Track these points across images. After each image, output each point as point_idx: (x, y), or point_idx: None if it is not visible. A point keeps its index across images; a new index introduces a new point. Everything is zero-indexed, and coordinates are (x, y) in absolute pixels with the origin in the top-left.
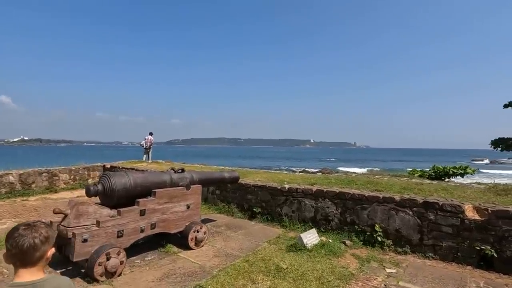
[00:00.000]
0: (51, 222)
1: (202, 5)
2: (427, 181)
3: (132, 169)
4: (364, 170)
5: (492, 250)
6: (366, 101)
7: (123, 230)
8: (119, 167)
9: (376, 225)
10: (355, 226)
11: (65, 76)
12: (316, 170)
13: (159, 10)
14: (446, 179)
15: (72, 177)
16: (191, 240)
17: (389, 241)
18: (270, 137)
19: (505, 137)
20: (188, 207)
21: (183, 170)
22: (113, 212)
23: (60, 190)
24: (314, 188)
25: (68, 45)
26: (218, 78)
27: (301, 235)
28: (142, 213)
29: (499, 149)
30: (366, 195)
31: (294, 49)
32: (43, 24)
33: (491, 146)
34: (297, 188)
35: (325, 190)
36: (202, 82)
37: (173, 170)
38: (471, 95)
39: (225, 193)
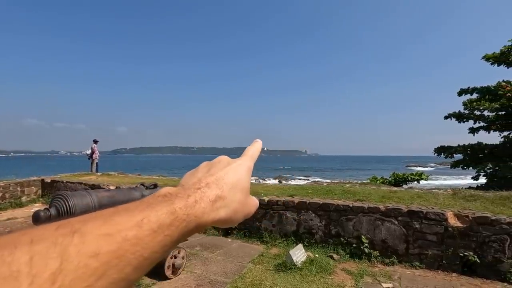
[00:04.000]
0: None
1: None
2: (395, 188)
3: (80, 183)
4: (325, 179)
5: (475, 256)
6: (312, 109)
7: None
8: (63, 182)
9: (362, 236)
10: (341, 239)
11: None
12: (272, 179)
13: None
14: (404, 186)
15: (0, 195)
16: (168, 268)
17: (375, 252)
18: (224, 146)
19: (445, 145)
20: None
21: (155, 186)
22: None
23: None
24: (296, 199)
25: None
26: (169, 83)
27: (290, 252)
28: None
29: (443, 155)
30: (351, 205)
31: (241, 52)
32: None
33: (434, 153)
34: (277, 200)
35: (308, 201)
36: (152, 87)
37: (143, 185)
38: (408, 107)
39: None
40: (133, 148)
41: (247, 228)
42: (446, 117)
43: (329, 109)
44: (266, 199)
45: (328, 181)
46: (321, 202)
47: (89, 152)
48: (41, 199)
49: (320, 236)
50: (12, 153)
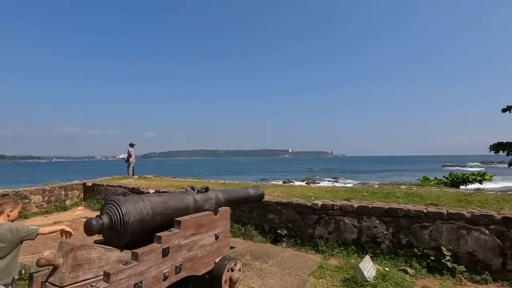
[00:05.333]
0: (31, 276)
1: (168, 14)
2: (462, 190)
3: (120, 186)
4: (354, 181)
5: None
6: (339, 109)
7: (141, 282)
8: (103, 185)
9: (443, 247)
10: (414, 249)
11: (25, 89)
12: (299, 180)
13: (122, 19)
14: (462, 187)
15: (46, 198)
16: (225, 283)
17: (461, 267)
18: (249, 148)
19: (504, 141)
20: (216, 237)
21: (207, 189)
22: (124, 255)
23: (32, 216)
24: (355, 204)
25: (27, 55)
26: (196, 90)
27: (360, 266)
28: (165, 252)
29: (502, 153)
30: (425, 211)
31: (264, 62)
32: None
33: (490, 151)
34: (333, 205)
35: (370, 206)
36: (179, 95)
37: (193, 189)
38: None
39: (239, 213)
40: (162, 152)
41: (298, 235)
42: (504, 110)
43: (354, 110)
44: (320, 203)
45: (377, 183)
46: (387, 207)
47: (125, 156)
48: (83, 202)
49: (387, 245)
50: (54, 159)
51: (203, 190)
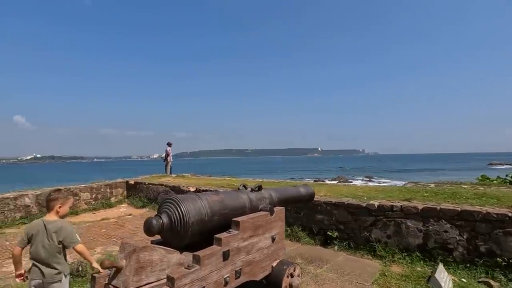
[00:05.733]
0: (93, 277)
1: (189, 12)
2: None
3: (161, 184)
4: (400, 181)
5: None
6: (370, 106)
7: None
8: (145, 183)
9: None
10: (497, 259)
11: (66, 92)
12: (330, 180)
13: (157, 17)
14: None
15: (93, 196)
16: None
17: None
18: (277, 147)
19: None
20: (273, 239)
21: (260, 188)
22: (184, 257)
23: (82, 212)
24: (419, 205)
25: (67, 58)
26: (224, 91)
27: (436, 276)
28: (226, 256)
29: None
30: (510, 215)
31: (294, 60)
32: (50, 36)
33: None
34: (392, 206)
35: (438, 208)
36: (206, 95)
37: (245, 187)
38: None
39: (285, 213)
40: (192, 151)
41: (352, 238)
42: None
43: (386, 108)
44: (376, 203)
45: (434, 182)
46: (459, 209)
47: (163, 155)
48: (126, 200)
49: (461, 253)
50: (95, 159)
51: (257, 188)
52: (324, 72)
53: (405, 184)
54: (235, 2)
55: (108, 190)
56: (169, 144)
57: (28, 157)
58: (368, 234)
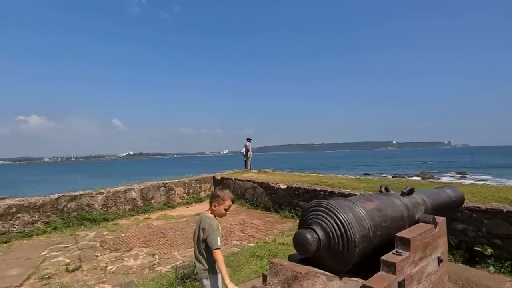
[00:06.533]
0: None
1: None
2: None
3: (248, 180)
4: None
5: None
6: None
7: None
8: (231, 179)
9: None
10: None
11: (149, 98)
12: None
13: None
14: None
15: (186, 190)
16: None
17: None
18: (345, 141)
19: None
20: (440, 261)
21: (411, 191)
22: (345, 286)
23: (177, 205)
24: None
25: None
26: (289, 88)
27: None
28: (401, 286)
29: None
30: None
31: (366, 47)
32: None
33: None
34: None
35: None
36: (271, 93)
37: (387, 189)
38: None
39: None
40: (260, 147)
41: None
42: None
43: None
44: None
45: None
46: None
47: (243, 150)
48: None
49: None
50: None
51: (407, 192)
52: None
53: None
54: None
55: (198, 185)
56: (248, 140)
57: (124, 154)
58: None
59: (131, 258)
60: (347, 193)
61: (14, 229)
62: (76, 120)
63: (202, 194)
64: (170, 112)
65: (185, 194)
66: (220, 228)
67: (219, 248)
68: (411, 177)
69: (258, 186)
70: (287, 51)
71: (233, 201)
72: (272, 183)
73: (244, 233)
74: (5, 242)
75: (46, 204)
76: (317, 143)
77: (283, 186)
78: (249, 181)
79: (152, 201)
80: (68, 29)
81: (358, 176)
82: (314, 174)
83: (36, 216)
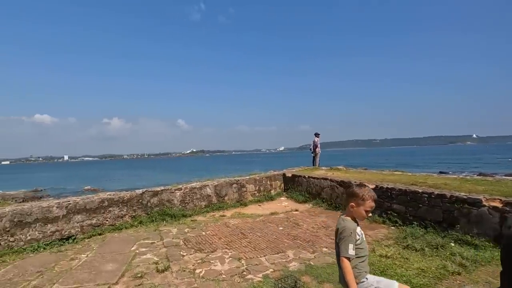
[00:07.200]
0: None
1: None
2: None
3: (325, 179)
4: None
5: None
6: None
7: None
8: (305, 177)
9: None
10: None
11: (209, 98)
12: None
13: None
14: None
15: (257, 188)
16: None
17: None
18: (413, 135)
19: None
20: None
21: None
22: None
23: (248, 203)
24: None
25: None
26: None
27: None
28: None
29: None
30: None
31: (436, 37)
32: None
33: None
34: None
35: None
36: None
37: None
38: None
39: None
40: None
41: None
42: None
43: None
44: None
45: None
46: None
47: (312, 146)
48: (284, 193)
49: None
50: (233, 152)
51: None
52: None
53: None
54: None
55: (268, 182)
56: (316, 135)
57: (188, 151)
58: None
59: (218, 262)
60: (464, 197)
61: (107, 222)
62: (148, 121)
63: (272, 192)
64: (227, 111)
65: (256, 192)
66: (357, 234)
67: (348, 257)
68: (501, 176)
69: (337, 185)
70: (339, 47)
71: (375, 201)
72: (355, 181)
73: (331, 238)
74: (99, 234)
75: (133, 198)
76: (379, 138)
77: (371, 186)
78: (325, 179)
79: (226, 198)
80: (143, 36)
81: (453, 175)
82: (399, 172)
83: (124, 210)
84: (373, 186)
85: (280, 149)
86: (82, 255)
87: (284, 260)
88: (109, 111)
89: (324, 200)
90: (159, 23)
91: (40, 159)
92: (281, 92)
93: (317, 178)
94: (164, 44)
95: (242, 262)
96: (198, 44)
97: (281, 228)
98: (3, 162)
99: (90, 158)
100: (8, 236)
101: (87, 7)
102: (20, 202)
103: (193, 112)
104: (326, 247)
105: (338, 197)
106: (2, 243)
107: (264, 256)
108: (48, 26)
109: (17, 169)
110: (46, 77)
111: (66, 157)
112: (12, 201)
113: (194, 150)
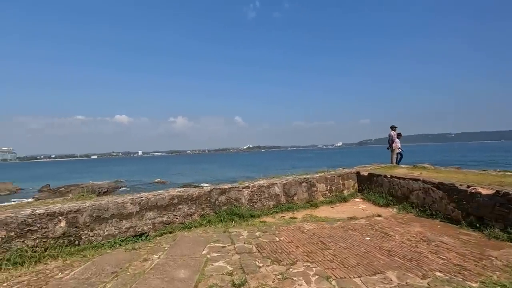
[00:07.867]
0: None
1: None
2: None
3: (416, 180)
4: None
5: None
6: None
7: None
8: (386, 176)
9: None
10: None
11: (262, 96)
12: None
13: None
14: None
15: (328, 187)
16: None
17: None
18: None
19: None
20: None
21: None
22: None
23: (320, 204)
24: None
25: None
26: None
27: None
28: None
29: None
30: None
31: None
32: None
33: None
34: None
35: None
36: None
37: None
38: None
39: None
40: (378, 138)
41: None
42: None
43: None
44: None
45: None
46: None
47: (388, 139)
48: (358, 194)
49: None
50: (289, 147)
51: None
52: None
53: None
54: None
55: (340, 181)
56: (393, 128)
57: (244, 147)
58: None
59: (302, 280)
60: None
61: (177, 220)
62: (208, 119)
63: (345, 192)
64: (282, 106)
65: (327, 192)
66: None
67: None
68: None
69: (434, 188)
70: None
71: None
72: (461, 184)
73: (441, 258)
74: (170, 232)
75: (201, 196)
76: (455, 132)
77: (484, 191)
78: (416, 180)
79: (295, 198)
80: (202, 39)
81: None
82: (510, 173)
83: (193, 208)
84: (489, 192)
85: (338, 145)
86: (154, 256)
87: (388, 286)
88: (175, 110)
89: (413, 205)
90: (218, 26)
91: (120, 154)
92: (339, 88)
93: (404, 179)
94: (220, 46)
95: (333, 283)
96: (252, 44)
97: (367, 238)
98: (92, 156)
99: (159, 153)
100: (88, 231)
101: (154, 8)
102: (104, 192)
103: (250, 109)
104: (440, 271)
105: (435, 202)
106: (83, 237)
107: (359, 277)
108: (119, 28)
109: (102, 163)
110: (119, 77)
111: (140, 152)
112: (99, 190)
113: (251, 146)
